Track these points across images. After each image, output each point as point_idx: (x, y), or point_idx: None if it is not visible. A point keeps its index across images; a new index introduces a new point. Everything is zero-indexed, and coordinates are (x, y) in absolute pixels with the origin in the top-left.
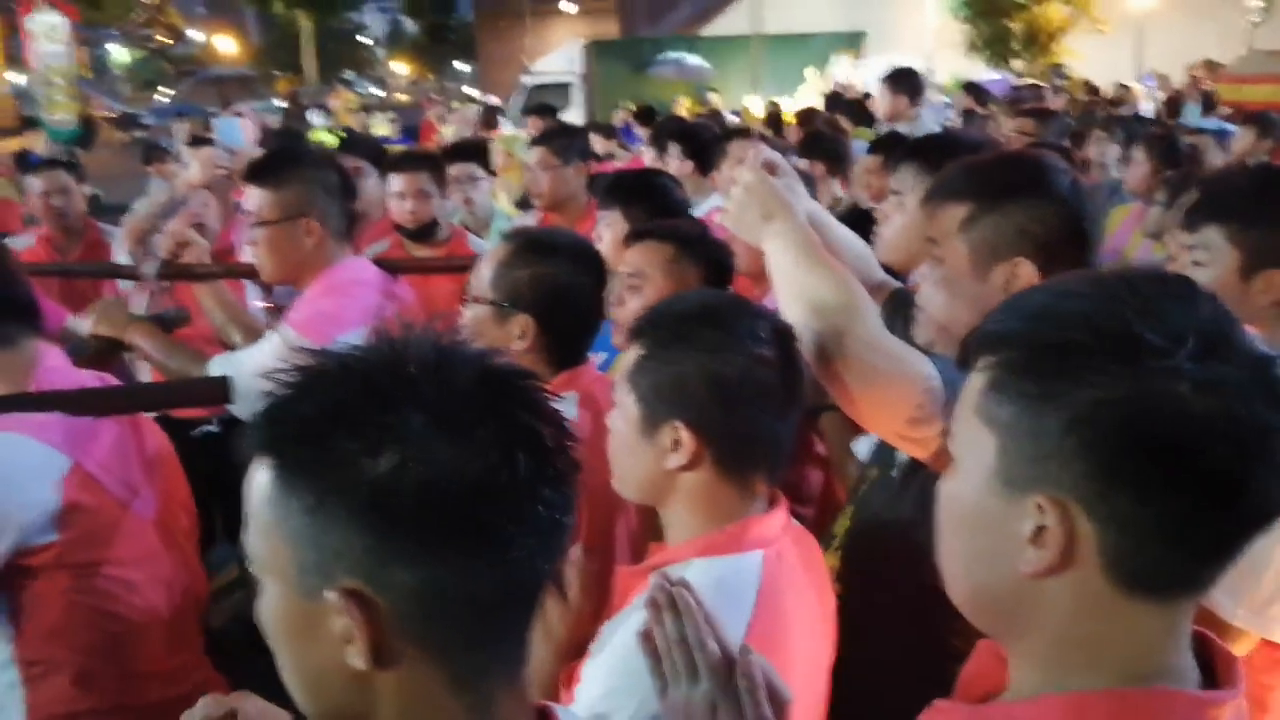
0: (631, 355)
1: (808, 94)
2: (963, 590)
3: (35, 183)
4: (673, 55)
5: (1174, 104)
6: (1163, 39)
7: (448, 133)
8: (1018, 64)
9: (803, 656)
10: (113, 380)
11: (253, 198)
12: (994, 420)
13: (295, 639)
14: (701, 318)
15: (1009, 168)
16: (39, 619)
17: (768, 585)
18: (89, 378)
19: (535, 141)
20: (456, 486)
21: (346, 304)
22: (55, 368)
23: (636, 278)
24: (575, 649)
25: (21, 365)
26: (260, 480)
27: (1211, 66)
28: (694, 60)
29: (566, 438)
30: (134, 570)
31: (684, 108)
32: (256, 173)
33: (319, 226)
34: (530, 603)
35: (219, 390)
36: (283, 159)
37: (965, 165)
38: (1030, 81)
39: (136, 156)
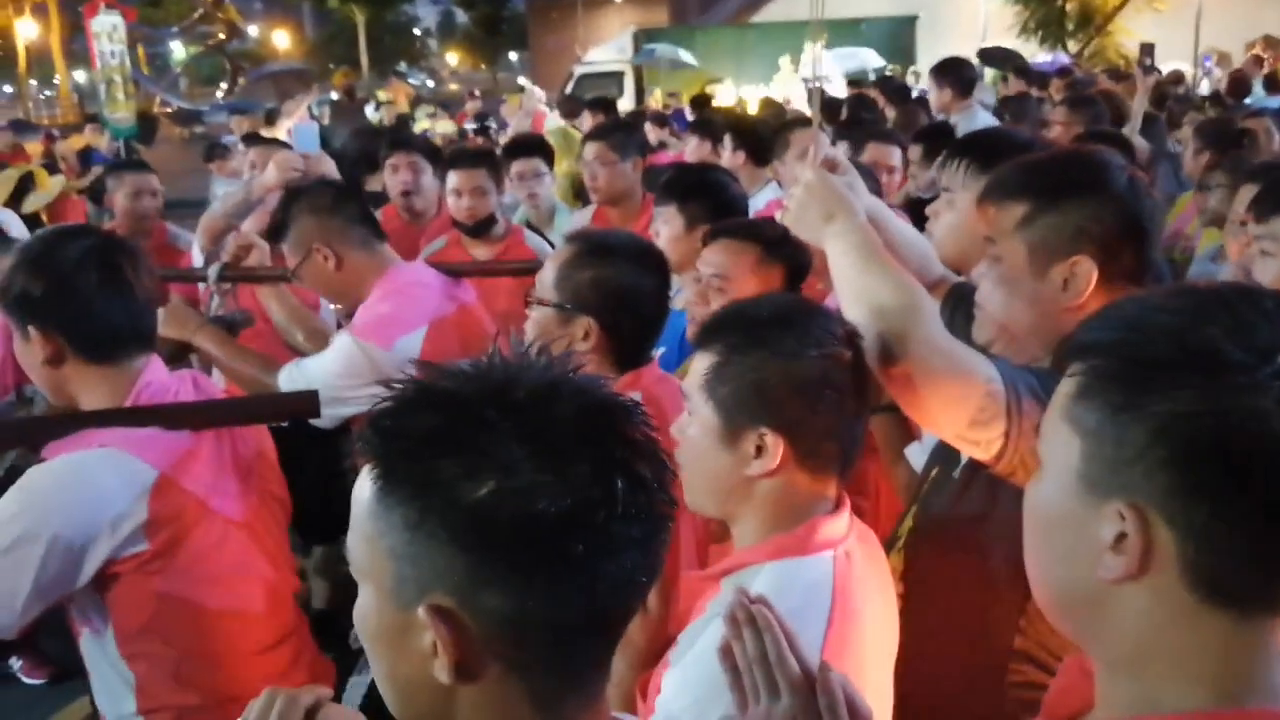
0: (705, 362)
1: (783, 84)
2: (1046, 592)
3: (127, 180)
4: (649, 46)
5: (1237, 83)
6: (1221, 16)
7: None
8: (1072, 45)
9: (875, 653)
10: (209, 385)
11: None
12: (1080, 425)
13: (387, 646)
14: (777, 321)
15: (1066, 166)
16: (132, 617)
17: (840, 585)
18: (186, 386)
19: (592, 136)
20: (552, 517)
21: (406, 305)
22: (153, 382)
23: (721, 278)
24: (653, 657)
25: (126, 380)
26: (365, 489)
27: (1272, 43)
28: (670, 50)
29: (666, 474)
30: (225, 572)
31: (655, 99)
32: (270, 236)
33: (331, 249)
34: (616, 630)
35: (307, 404)
36: (279, 211)
37: (1022, 164)
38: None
39: (196, 152)
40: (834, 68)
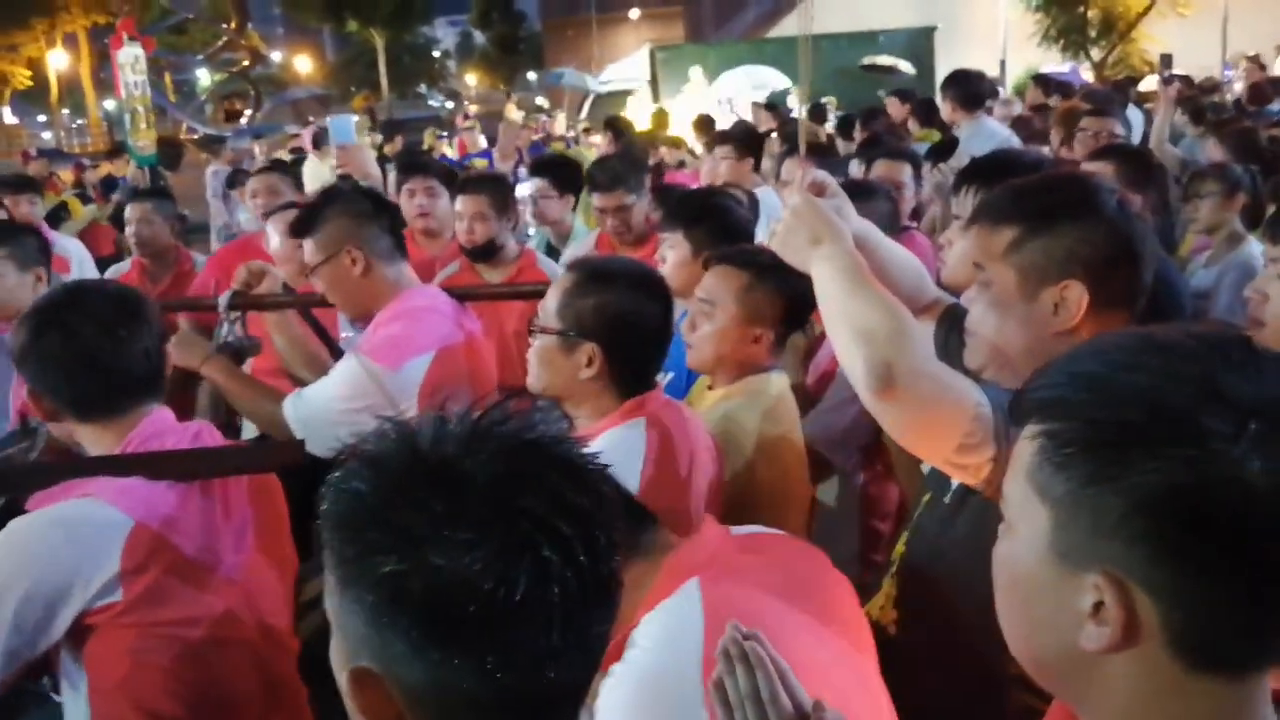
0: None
1: (691, 98)
2: (1025, 654)
3: (126, 209)
4: (556, 71)
5: (1257, 91)
6: (1250, 19)
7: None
8: (1095, 53)
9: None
10: (212, 439)
11: (305, 250)
12: (1047, 492)
13: (345, 696)
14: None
15: (1056, 190)
16: (107, 674)
17: (712, 610)
18: (184, 438)
19: (602, 186)
20: (457, 594)
21: (416, 329)
22: (144, 431)
23: (708, 303)
24: None
25: (120, 431)
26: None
27: None
28: (576, 77)
29: (601, 542)
30: (210, 631)
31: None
32: (296, 228)
33: (362, 254)
34: (550, 710)
35: (292, 454)
36: (313, 207)
37: (1011, 188)
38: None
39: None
40: (740, 86)
